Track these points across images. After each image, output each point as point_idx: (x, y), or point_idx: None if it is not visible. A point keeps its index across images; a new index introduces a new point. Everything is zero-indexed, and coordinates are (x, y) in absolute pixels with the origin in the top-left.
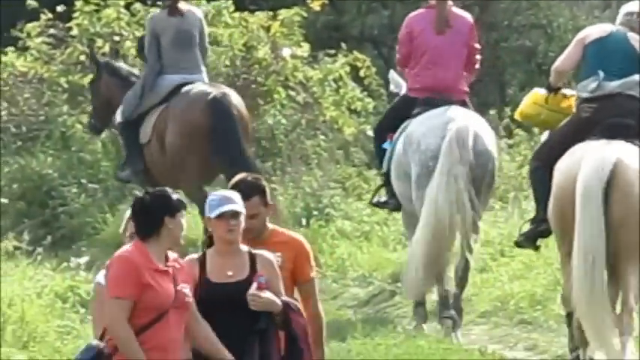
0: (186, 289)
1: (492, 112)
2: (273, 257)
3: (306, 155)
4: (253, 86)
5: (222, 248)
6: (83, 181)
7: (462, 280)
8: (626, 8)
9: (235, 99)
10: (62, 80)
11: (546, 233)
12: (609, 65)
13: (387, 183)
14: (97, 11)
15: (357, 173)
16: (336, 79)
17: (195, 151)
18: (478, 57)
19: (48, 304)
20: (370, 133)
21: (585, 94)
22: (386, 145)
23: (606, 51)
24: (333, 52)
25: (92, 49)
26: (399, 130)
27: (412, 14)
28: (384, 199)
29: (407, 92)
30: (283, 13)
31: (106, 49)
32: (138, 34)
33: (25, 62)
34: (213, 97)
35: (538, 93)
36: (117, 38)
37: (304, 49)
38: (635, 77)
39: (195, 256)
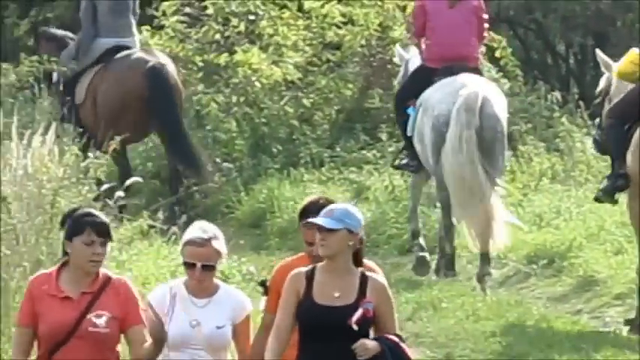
0: (100, 319)
1: None
2: (386, 282)
3: None
4: (389, 66)
5: (328, 264)
6: (217, 159)
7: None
8: None
9: (172, 69)
10: (197, 59)
11: (624, 187)
12: None
13: (409, 147)
14: None
15: None
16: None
17: (129, 112)
18: (486, 25)
19: None
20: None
21: None
22: (410, 111)
23: None
24: None
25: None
26: (421, 97)
27: None
28: (405, 161)
29: (424, 62)
30: None
31: (242, 28)
32: (273, 13)
33: (160, 41)
34: (152, 66)
35: (635, 52)
36: (252, 17)
37: None
38: None
39: (303, 269)
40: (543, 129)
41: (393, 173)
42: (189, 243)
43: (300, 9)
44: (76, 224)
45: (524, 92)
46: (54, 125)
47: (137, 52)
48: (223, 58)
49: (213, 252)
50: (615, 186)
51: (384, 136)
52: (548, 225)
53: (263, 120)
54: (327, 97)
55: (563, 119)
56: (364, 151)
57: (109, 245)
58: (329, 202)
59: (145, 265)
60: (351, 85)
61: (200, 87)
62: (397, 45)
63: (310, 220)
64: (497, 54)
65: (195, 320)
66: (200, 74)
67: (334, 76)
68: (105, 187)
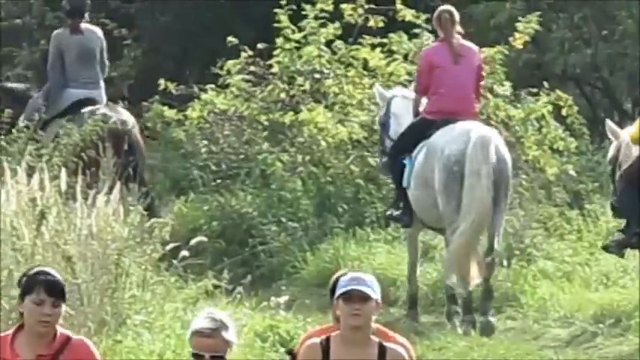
0: None
1: None
2: (405, 353)
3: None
4: None
5: (347, 335)
6: (283, 219)
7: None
8: None
9: (134, 127)
10: (262, 118)
11: (636, 246)
12: None
13: (403, 199)
14: (297, 49)
15: (558, 213)
16: (539, 118)
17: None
18: (482, 83)
19: (247, 344)
20: (573, 172)
21: None
22: (406, 162)
23: None
24: (535, 90)
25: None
26: (419, 147)
27: (428, 48)
28: (397, 213)
29: (424, 115)
30: (485, 52)
31: (307, 86)
32: (339, 72)
33: (225, 100)
34: (114, 123)
35: None
36: (317, 76)
37: (506, 88)
38: None
39: (317, 340)
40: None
41: None
42: (196, 333)
43: (365, 67)
44: (28, 283)
45: (590, 151)
46: (118, 185)
47: (102, 109)
48: (288, 117)
49: (222, 342)
50: (628, 243)
51: None
52: (615, 284)
53: (328, 179)
54: None
55: None
56: None
57: (63, 307)
58: None
59: None
60: None
61: (265, 146)
62: (376, 84)
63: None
64: (564, 112)
65: None
66: (265, 133)
67: None
68: (170, 246)
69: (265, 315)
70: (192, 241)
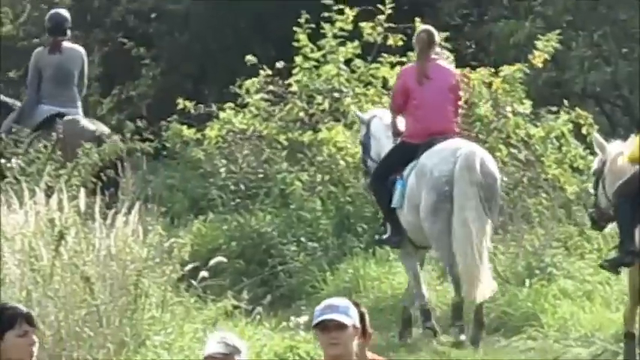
0: None
1: None
2: None
3: (527, 213)
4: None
5: None
6: (302, 239)
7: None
8: None
9: (110, 135)
10: (281, 137)
11: (631, 264)
12: None
13: (392, 220)
14: (316, 67)
15: (578, 232)
16: (559, 137)
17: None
18: (460, 103)
19: None
20: (593, 191)
21: None
22: (398, 183)
23: None
24: (555, 109)
25: None
26: (409, 168)
27: (405, 67)
28: (387, 235)
29: (405, 138)
30: (505, 70)
31: (326, 105)
32: (358, 90)
33: (243, 119)
34: (99, 136)
35: None
36: (337, 95)
37: (526, 106)
38: None
39: None
40: None
41: None
42: (209, 358)
43: (384, 86)
44: (7, 319)
45: None
46: (137, 205)
47: (82, 120)
48: (307, 136)
49: None
50: (623, 261)
51: None
52: None
53: (348, 199)
54: None
55: None
56: None
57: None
58: (353, 303)
59: None
60: None
61: (284, 165)
62: (352, 107)
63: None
64: (584, 130)
65: None
66: (284, 152)
67: None
68: (189, 267)
69: (285, 335)
70: (212, 262)
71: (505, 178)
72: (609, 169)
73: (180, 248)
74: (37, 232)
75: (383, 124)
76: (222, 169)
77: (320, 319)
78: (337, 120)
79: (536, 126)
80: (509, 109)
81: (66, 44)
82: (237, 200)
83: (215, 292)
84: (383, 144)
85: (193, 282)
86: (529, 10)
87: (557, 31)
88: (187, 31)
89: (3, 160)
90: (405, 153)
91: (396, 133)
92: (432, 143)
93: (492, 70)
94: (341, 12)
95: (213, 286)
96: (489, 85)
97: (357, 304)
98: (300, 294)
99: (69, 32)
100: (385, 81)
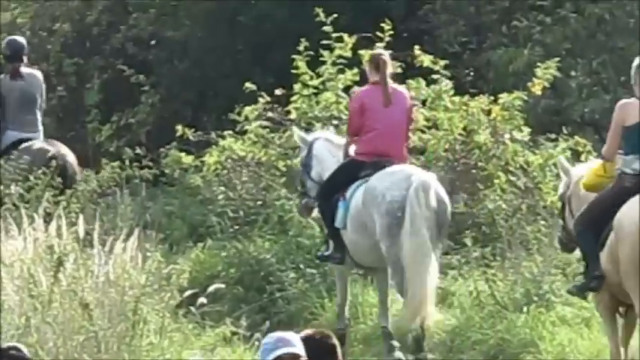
0: None
1: None
2: None
3: (526, 240)
4: (473, 171)
5: None
6: (301, 265)
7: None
8: None
9: (72, 159)
10: (280, 164)
11: (597, 289)
12: None
13: (336, 238)
14: (315, 95)
15: (577, 259)
16: (557, 164)
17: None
18: (411, 126)
19: None
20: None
21: (628, 170)
22: (340, 204)
23: None
24: (554, 136)
25: None
26: (352, 188)
27: (361, 89)
28: (329, 252)
29: (354, 156)
30: (504, 97)
31: None
32: None
33: (242, 146)
34: (53, 155)
35: (598, 163)
36: (335, 122)
37: (525, 134)
38: None
39: None
40: None
41: (477, 279)
42: None
43: None
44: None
45: None
46: (136, 231)
47: (37, 143)
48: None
49: None
50: (589, 286)
51: (468, 242)
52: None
53: None
54: None
55: None
56: (448, 256)
57: None
58: (324, 336)
59: None
60: None
61: (283, 192)
62: (294, 127)
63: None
64: (583, 158)
65: None
66: (283, 179)
67: None
68: (187, 293)
69: None
70: (210, 288)
71: (504, 205)
72: (573, 192)
73: (178, 275)
74: (36, 259)
75: (327, 146)
76: (221, 196)
77: (276, 354)
78: None
79: (535, 153)
80: (507, 136)
81: (25, 69)
82: (236, 227)
83: (214, 318)
84: (326, 165)
85: (192, 308)
86: (528, 37)
87: (556, 59)
88: (186, 59)
89: (2, 187)
90: (352, 170)
91: (347, 156)
92: (379, 164)
93: (491, 97)
94: (340, 39)
95: (211, 313)
96: (488, 112)
97: (328, 336)
98: (298, 320)
99: (25, 58)
100: None
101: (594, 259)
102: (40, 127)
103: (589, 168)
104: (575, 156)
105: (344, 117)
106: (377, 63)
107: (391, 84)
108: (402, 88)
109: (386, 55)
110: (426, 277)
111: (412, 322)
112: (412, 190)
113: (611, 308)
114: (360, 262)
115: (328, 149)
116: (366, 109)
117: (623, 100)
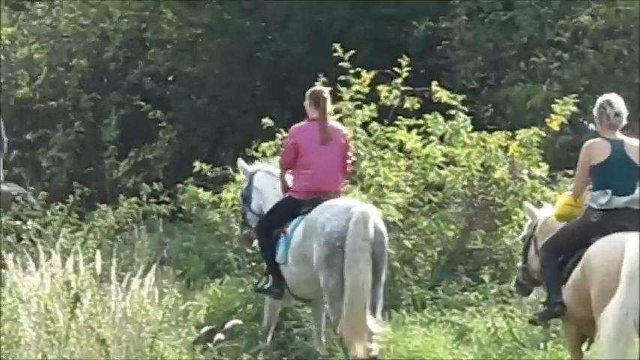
0: None
1: None
2: None
3: None
4: (491, 207)
5: None
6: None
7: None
8: (607, 103)
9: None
10: None
11: (560, 315)
12: (615, 184)
13: (275, 273)
14: None
15: None
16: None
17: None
18: (350, 162)
19: None
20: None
21: (595, 206)
22: (282, 241)
23: (611, 172)
24: (571, 172)
25: None
26: (293, 223)
27: (297, 126)
28: (268, 286)
29: (291, 194)
30: (522, 133)
31: None
32: (374, 153)
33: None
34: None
35: (566, 195)
36: (353, 158)
37: (543, 170)
38: (637, 194)
39: None
40: None
41: (495, 315)
42: None
43: (401, 149)
44: None
45: None
46: (153, 267)
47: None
48: None
49: None
50: (553, 313)
51: (486, 278)
52: None
53: None
54: (428, 239)
55: None
56: (466, 293)
57: None
58: None
59: None
60: (452, 226)
61: None
62: (239, 159)
63: None
64: None
65: None
66: None
67: (436, 217)
68: (205, 329)
69: None
70: (228, 324)
71: (522, 242)
72: (540, 230)
73: (196, 311)
74: (53, 294)
75: (268, 179)
76: (238, 232)
77: None
78: (354, 182)
79: (553, 189)
80: (525, 172)
81: None
82: (253, 263)
83: (231, 354)
84: (266, 197)
85: (209, 344)
86: (546, 73)
87: (574, 95)
88: (204, 94)
89: (19, 222)
90: (290, 208)
91: (285, 188)
92: (318, 200)
93: (509, 133)
94: (358, 75)
95: (229, 349)
96: (506, 148)
97: None
98: (315, 357)
99: None
100: (402, 145)
101: (556, 286)
102: (1, 167)
103: (559, 201)
104: None
105: (361, 153)
106: (317, 99)
107: (330, 120)
108: (339, 125)
109: (326, 91)
110: (363, 307)
111: (355, 353)
112: (352, 223)
113: (577, 340)
114: (299, 294)
115: (269, 181)
116: (299, 148)
117: (590, 140)
